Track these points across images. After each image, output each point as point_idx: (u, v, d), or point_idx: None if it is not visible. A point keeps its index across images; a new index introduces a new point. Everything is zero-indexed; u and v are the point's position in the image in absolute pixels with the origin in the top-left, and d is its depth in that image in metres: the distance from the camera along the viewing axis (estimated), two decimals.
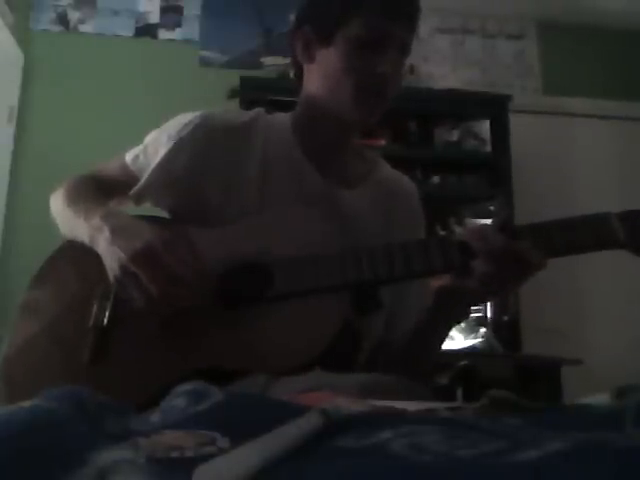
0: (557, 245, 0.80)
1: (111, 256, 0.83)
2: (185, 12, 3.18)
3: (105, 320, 0.85)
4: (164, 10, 3.17)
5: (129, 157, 1.02)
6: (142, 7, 3.15)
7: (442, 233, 2.92)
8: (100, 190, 1.01)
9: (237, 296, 0.84)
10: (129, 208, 1.02)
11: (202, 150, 0.96)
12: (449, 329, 0.97)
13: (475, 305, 1.07)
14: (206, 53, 3.13)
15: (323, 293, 0.82)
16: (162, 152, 0.97)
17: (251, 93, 2.82)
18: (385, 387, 0.68)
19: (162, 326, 0.83)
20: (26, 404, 0.41)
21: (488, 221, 3.00)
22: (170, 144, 0.96)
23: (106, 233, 0.85)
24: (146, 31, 3.13)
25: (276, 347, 0.80)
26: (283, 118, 1.03)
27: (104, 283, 0.86)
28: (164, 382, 0.55)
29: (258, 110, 1.03)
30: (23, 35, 2.94)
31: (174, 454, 0.36)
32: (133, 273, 0.80)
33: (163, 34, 3.15)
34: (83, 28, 3.09)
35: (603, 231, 0.78)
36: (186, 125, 0.97)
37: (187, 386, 0.50)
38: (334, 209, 0.96)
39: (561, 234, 0.80)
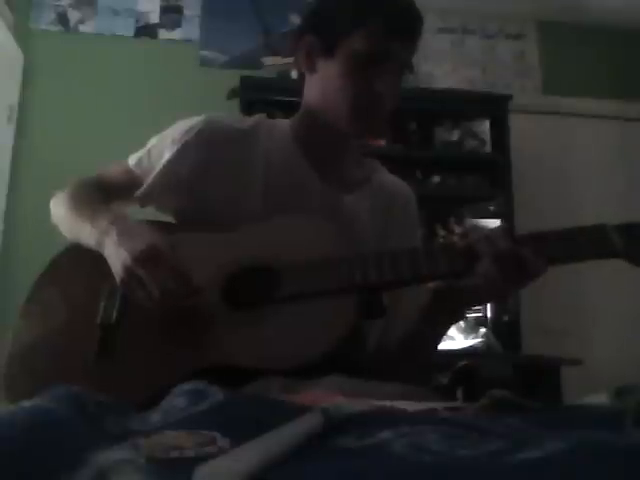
0: (555, 254, 0.81)
1: (117, 258, 0.83)
2: (185, 12, 3.18)
3: (113, 317, 0.85)
4: (164, 10, 3.17)
5: (132, 161, 1.03)
6: (142, 7, 3.15)
7: (442, 233, 2.92)
8: (103, 193, 1.01)
9: (244, 297, 0.84)
10: (132, 211, 1.02)
11: (206, 154, 0.97)
12: (446, 330, 0.97)
13: (472, 308, 1.07)
14: (206, 53, 3.13)
15: (329, 296, 0.82)
16: (166, 155, 0.98)
17: (251, 93, 2.82)
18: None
19: (169, 325, 0.83)
20: (26, 404, 0.41)
21: (488, 221, 3.00)
22: (174, 148, 0.98)
23: (113, 236, 0.85)
24: (146, 31, 3.13)
25: (283, 347, 0.80)
26: (283, 125, 1.04)
27: (110, 281, 0.86)
28: (172, 381, 0.55)
29: (259, 116, 1.05)
30: (23, 35, 2.93)
31: (174, 454, 0.36)
32: (137, 274, 0.81)
33: (163, 34, 3.15)
34: (83, 28, 3.09)
35: (601, 241, 0.80)
36: (190, 129, 0.98)
37: (187, 386, 0.50)
38: (336, 214, 0.97)
39: (559, 243, 0.81)
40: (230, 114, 1.10)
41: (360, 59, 0.91)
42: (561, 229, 0.82)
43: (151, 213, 1.03)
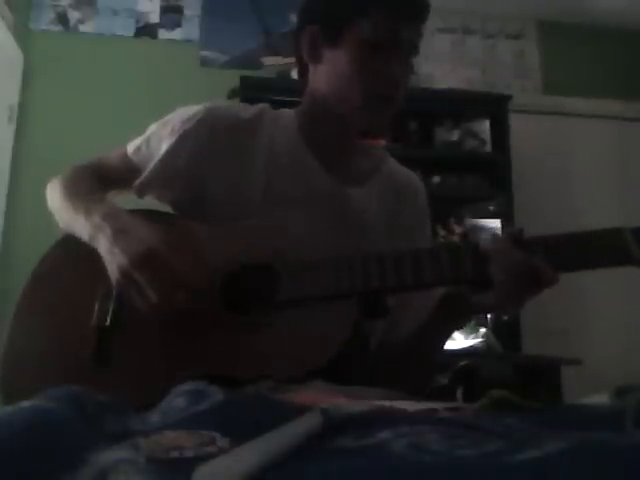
0: (568, 262, 0.78)
1: (112, 258, 0.81)
2: (185, 12, 3.18)
3: (107, 320, 0.83)
4: (164, 10, 3.17)
5: (130, 148, 1.00)
6: (142, 7, 3.15)
7: (442, 233, 2.92)
8: (99, 181, 0.99)
9: (243, 300, 0.82)
10: (131, 199, 1.00)
11: (206, 144, 0.95)
12: (451, 333, 0.96)
13: (481, 314, 1.05)
14: (206, 53, 3.13)
15: (331, 300, 0.81)
16: (165, 144, 0.96)
17: (251, 93, 2.82)
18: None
19: (164, 329, 0.81)
20: (26, 404, 0.41)
21: (488, 221, 3.00)
22: (174, 137, 0.95)
23: (108, 233, 0.83)
24: (146, 31, 3.13)
25: (284, 353, 0.79)
26: (288, 114, 1.02)
27: (106, 281, 0.83)
28: (171, 384, 0.55)
29: (263, 105, 1.02)
30: (23, 35, 2.93)
31: (174, 454, 0.36)
32: (134, 278, 0.79)
33: (163, 34, 3.15)
34: (83, 28, 3.09)
35: (617, 247, 0.75)
36: (190, 118, 0.96)
37: (187, 386, 0.50)
38: (341, 207, 0.95)
39: (573, 251, 0.78)
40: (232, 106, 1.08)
41: (368, 46, 0.90)
42: (573, 233, 0.78)
43: (149, 202, 1.00)
